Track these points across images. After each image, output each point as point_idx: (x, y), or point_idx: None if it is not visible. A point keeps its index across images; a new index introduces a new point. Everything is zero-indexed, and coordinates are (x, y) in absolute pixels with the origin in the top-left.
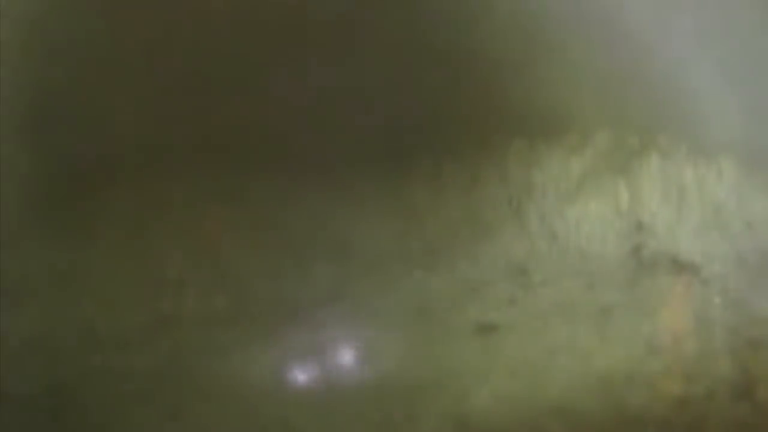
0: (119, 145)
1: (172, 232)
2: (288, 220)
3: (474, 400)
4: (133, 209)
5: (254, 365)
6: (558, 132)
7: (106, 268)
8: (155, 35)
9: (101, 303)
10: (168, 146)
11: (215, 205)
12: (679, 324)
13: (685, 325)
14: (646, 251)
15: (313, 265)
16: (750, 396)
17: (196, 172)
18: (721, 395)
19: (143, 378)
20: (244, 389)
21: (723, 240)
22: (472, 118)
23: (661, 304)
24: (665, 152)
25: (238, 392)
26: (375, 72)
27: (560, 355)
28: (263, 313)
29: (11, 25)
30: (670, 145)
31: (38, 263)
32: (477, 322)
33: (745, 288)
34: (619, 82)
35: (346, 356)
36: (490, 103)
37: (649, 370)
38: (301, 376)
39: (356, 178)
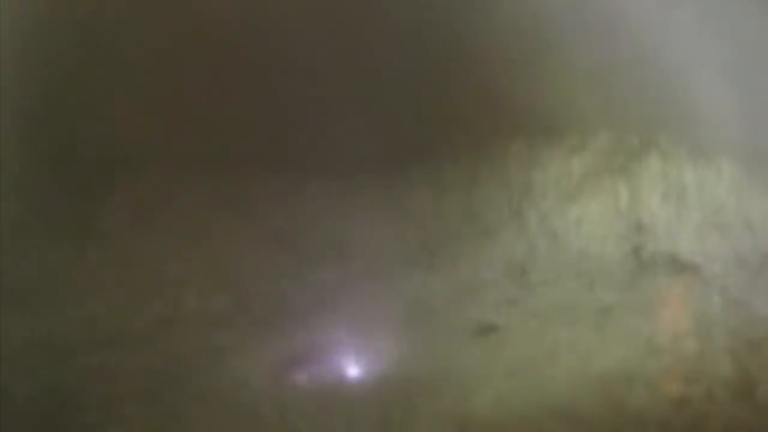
0: (120, 146)
1: (172, 232)
2: (288, 221)
3: (474, 400)
4: (133, 210)
5: (254, 365)
6: (558, 132)
7: (106, 269)
8: (158, 38)
9: (101, 303)
10: (168, 147)
11: (215, 205)
12: (679, 324)
13: (685, 325)
14: (646, 251)
15: (313, 265)
16: (750, 396)
17: (197, 174)
18: (721, 395)
19: (143, 378)
20: (243, 389)
21: (723, 240)
22: (472, 119)
23: (661, 304)
24: (665, 152)
25: (237, 392)
26: (375, 74)
27: (560, 355)
28: (263, 313)
29: (12, 25)
30: (670, 145)
31: (38, 263)
32: (477, 322)
33: (745, 288)
34: (619, 82)
35: (346, 356)
36: (490, 103)
37: (649, 370)
38: (301, 376)
39: (356, 178)
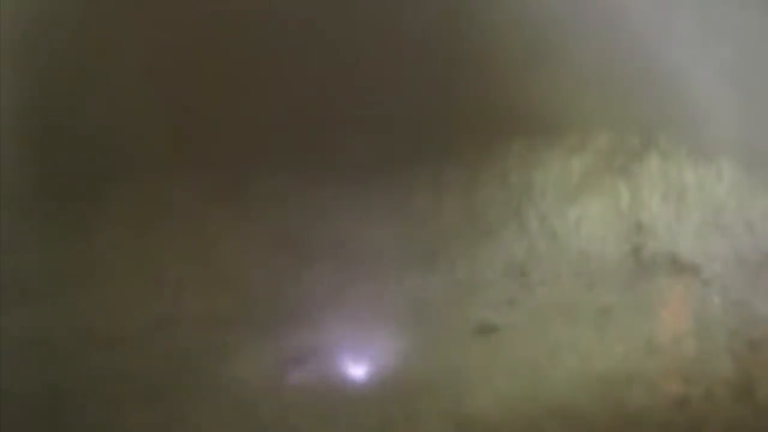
0: (119, 145)
1: (172, 232)
2: (288, 221)
3: (474, 400)
4: (133, 209)
5: (254, 365)
6: (558, 132)
7: (106, 268)
8: (156, 36)
9: (101, 303)
10: (168, 147)
11: (215, 205)
12: (679, 324)
13: (685, 325)
14: (646, 251)
15: (313, 265)
16: (750, 396)
17: (197, 173)
18: (721, 395)
19: (143, 378)
20: (243, 389)
21: (723, 240)
22: (472, 119)
23: (661, 304)
24: (665, 152)
25: (237, 392)
26: (376, 73)
27: (560, 355)
28: (263, 313)
29: (11, 25)
30: (670, 145)
31: (38, 263)
32: (477, 322)
33: (745, 288)
34: (619, 82)
35: (346, 356)
36: (490, 103)
37: (649, 370)
38: (301, 376)
39: (356, 178)
